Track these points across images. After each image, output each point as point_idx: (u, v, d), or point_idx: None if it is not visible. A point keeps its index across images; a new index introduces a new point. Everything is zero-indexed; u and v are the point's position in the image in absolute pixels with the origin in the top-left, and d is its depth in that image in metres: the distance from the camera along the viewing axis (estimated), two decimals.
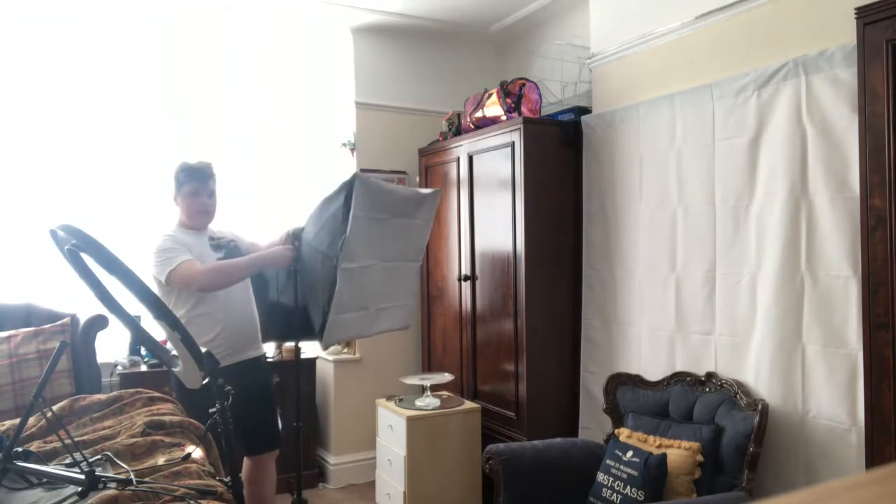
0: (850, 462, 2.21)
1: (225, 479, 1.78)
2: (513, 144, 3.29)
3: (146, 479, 1.80)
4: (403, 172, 4.28)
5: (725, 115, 2.62)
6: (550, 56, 3.75)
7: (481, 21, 4.18)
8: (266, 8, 3.83)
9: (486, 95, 3.58)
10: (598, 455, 2.66)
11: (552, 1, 3.86)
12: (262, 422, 2.80)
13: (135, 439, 2.11)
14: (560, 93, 3.68)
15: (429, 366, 4.18)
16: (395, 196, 2.70)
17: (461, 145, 3.74)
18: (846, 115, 2.20)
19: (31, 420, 2.19)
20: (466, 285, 3.72)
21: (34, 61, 3.74)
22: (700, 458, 2.38)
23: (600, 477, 2.55)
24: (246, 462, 2.82)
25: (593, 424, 3.19)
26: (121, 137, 3.94)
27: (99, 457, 1.94)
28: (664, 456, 2.40)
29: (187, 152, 3.07)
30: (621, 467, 2.48)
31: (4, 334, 3.22)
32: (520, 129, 3.24)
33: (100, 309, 2.60)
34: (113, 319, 2.57)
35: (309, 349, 3.77)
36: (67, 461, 1.81)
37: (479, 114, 3.60)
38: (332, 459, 4.15)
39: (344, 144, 4.24)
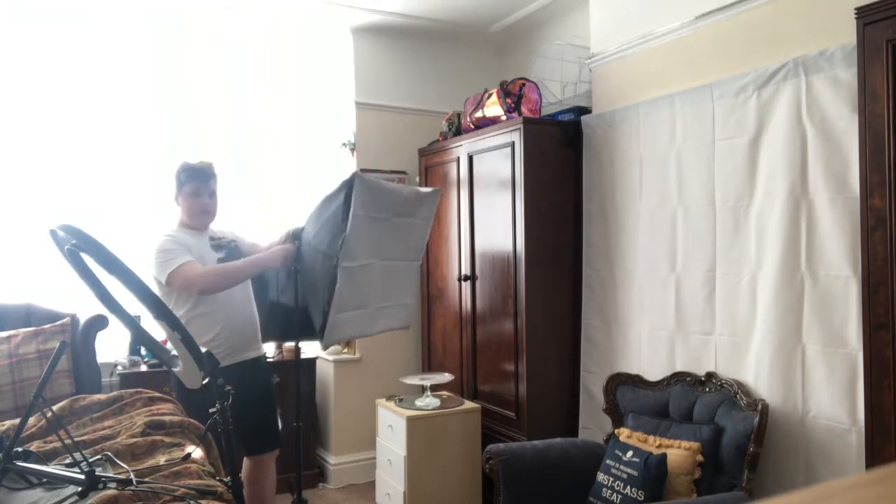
0: (850, 462, 2.21)
1: (225, 479, 1.78)
2: (513, 144, 3.29)
3: (146, 479, 1.80)
4: (403, 172, 4.28)
5: (725, 115, 2.62)
6: (550, 56, 3.75)
7: (481, 21, 4.18)
8: (266, 8, 3.83)
9: (486, 95, 3.58)
10: (598, 455, 2.66)
11: (552, 1, 3.86)
12: (262, 422, 2.80)
13: (135, 439, 2.11)
14: (560, 93, 3.68)
15: (429, 366, 4.18)
16: (395, 195, 2.71)
17: (461, 145, 3.74)
18: (846, 115, 2.20)
19: (31, 420, 2.19)
20: (466, 285, 3.72)
21: (34, 61, 3.74)
22: (700, 458, 2.38)
23: (600, 477, 2.55)
24: (246, 462, 2.82)
25: (593, 424, 3.19)
26: (121, 137, 3.94)
27: (99, 457, 1.94)
28: (664, 456, 2.40)
29: (187, 152, 3.07)
30: (621, 467, 2.48)
31: (4, 334, 3.22)
32: (520, 129, 3.24)
33: (100, 309, 2.60)
34: (113, 319, 2.57)
35: (309, 349, 3.77)
36: (67, 461, 1.81)
37: (479, 114, 3.60)
38: (332, 459, 4.15)
39: (344, 144, 4.24)
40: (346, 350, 4.24)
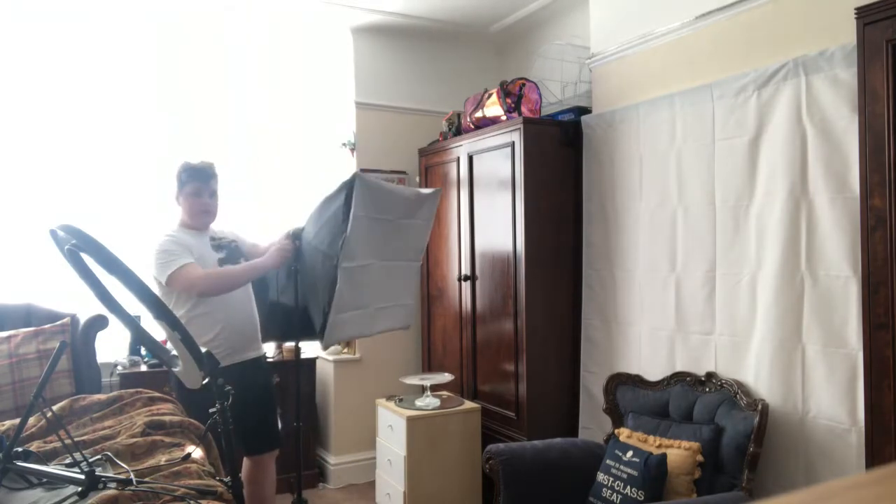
0: (850, 462, 2.21)
1: (225, 479, 1.78)
2: (513, 144, 3.29)
3: (146, 479, 1.80)
4: (403, 172, 4.28)
5: (725, 115, 2.62)
6: (550, 56, 3.75)
7: (481, 21, 4.18)
8: (266, 8, 3.83)
9: (486, 95, 3.58)
10: (598, 455, 2.66)
11: (552, 1, 3.86)
12: (261, 422, 2.80)
13: (135, 439, 2.11)
14: (560, 93, 3.68)
15: (429, 366, 4.18)
16: (395, 196, 2.71)
17: (461, 145, 3.74)
18: (846, 115, 2.20)
19: (31, 420, 2.19)
20: (466, 285, 3.72)
21: (34, 61, 3.74)
22: (700, 458, 2.38)
23: (600, 477, 2.55)
24: (246, 462, 2.83)
25: (593, 424, 3.19)
26: (121, 137, 3.94)
27: (99, 457, 1.94)
28: (664, 456, 2.40)
29: (187, 152, 3.07)
30: (621, 467, 2.48)
31: (4, 334, 3.22)
32: (520, 129, 3.24)
33: (100, 309, 2.60)
34: (113, 319, 2.57)
35: (309, 349, 3.77)
36: (67, 461, 1.81)
37: (479, 114, 3.60)
38: (332, 459, 4.15)
39: (344, 144, 4.24)
40: (346, 350, 4.24)
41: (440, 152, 3.98)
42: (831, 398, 2.26)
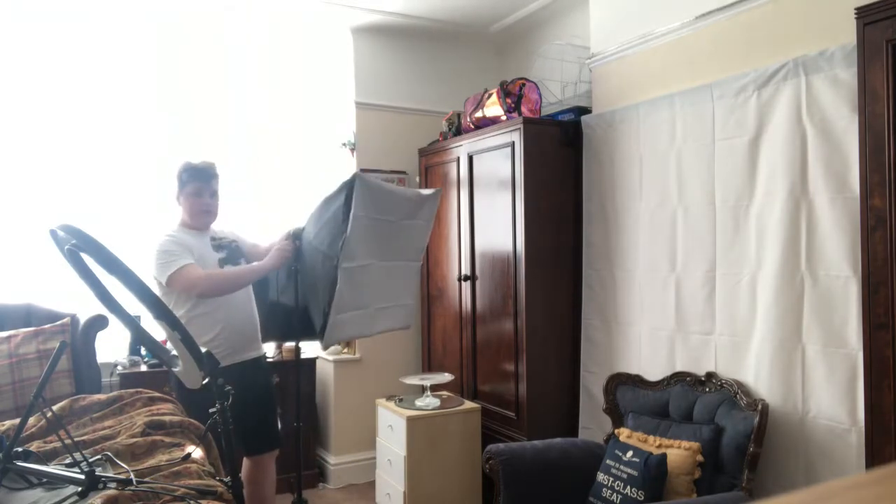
0: (850, 462, 2.21)
1: (225, 479, 1.78)
2: (513, 144, 3.29)
3: (146, 479, 1.80)
4: (403, 172, 4.28)
5: (725, 115, 2.62)
6: (550, 56, 3.75)
7: (481, 21, 4.18)
8: (266, 8, 3.83)
9: (486, 95, 3.58)
10: (598, 455, 2.66)
11: (552, 1, 3.86)
12: (261, 422, 2.80)
13: (135, 439, 2.11)
14: (560, 93, 3.68)
15: (429, 366, 4.18)
16: (395, 196, 2.71)
17: (461, 145, 3.74)
18: (846, 115, 2.20)
19: (31, 420, 2.19)
20: (466, 285, 3.72)
21: (34, 61, 3.74)
22: (700, 458, 2.38)
23: (600, 477, 2.55)
24: (245, 462, 2.83)
25: (593, 424, 3.19)
26: (121, 137, 3.94)
27: (99, 457, 1.94)
28: (664, 456, 2.40)
29: (187, 152, 3.07)
30: (621, 467, 2.48)
31: (4, 334, 3.22)
32: (520, 129, 3.24)
33: (100, 309, 2.60)
34: (113, 319, 2.57)
35: (309, 349, 3.77)
36: (67, 461, 1.81)
37: (479, 114, 3.60)
38: (332, 459, 4.15)
39: (344, 144, 4.24)
40: (346, 350, 4.24)
41: (440, 152, 3.98)
42: (831, 398, 2.26)
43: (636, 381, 2.83)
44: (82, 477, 1.63)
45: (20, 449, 1.75)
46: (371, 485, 3.83)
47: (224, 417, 1.73)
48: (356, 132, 4.19)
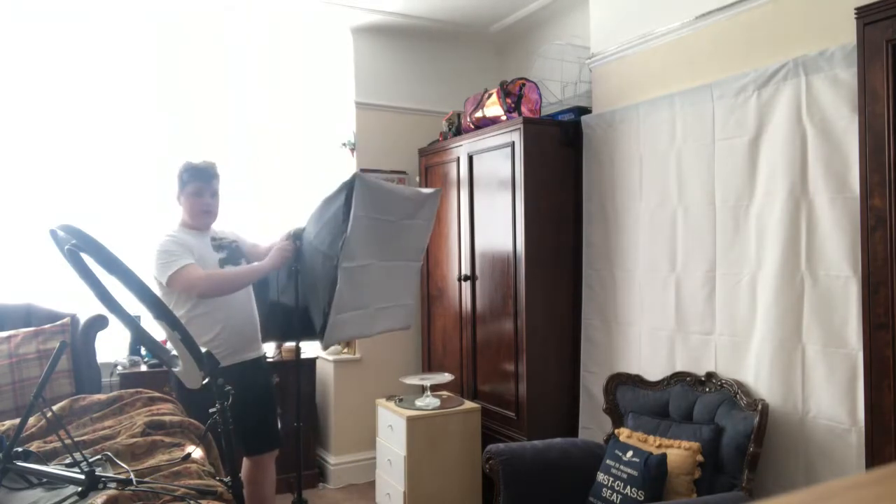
0: (850, 462, 2.21)
1: (225, 479, 1.78)
2: (513, 144, 3.29)
3: (146, 479, 1.80)
4: (403, 172, 4.28)
5: (725, 115, 2.62)
6: (550, 56, 3.75)
7: (481, 21, 4.18)
8: (266, 8, 3.83)
9: (486, 95, 3.58)
10: (598, 455, 2.66)
11: (552, 1, 3.86)
12: (261, 422, 2.80)
13: (135, 439, 2.11)
14: (560, 93, 3.68)
15: (429, 366, 4.18)
16: (395, 196, 2.71)
17: (461, 145, 3.74)
18: (846, 115, 2.20)
19: (31, 420, 2.19)
20: (466, 285, 3.72)
21: (34, 61, 3.74)
22: (700, 458, 2.38)
23: (600, 477, 2.55)
24: (245, 462, 2.83)
25: (593, 424, 3.19)
26: (121, 137, 3.94)
27: (99, 457, 1.94)
28: (664, 456, 2.40)
29: (187, 152, 3.07)
30: (621, 467, 2.48)
31: (4, 334, 3.22)
32: (520, 129, 3.24)
33: (100, 309, 2.60)
34: (113, 319, 2.57)
35: (309, 349, 3.77)
36: (67, 461, 1.81)
37: (479, 114, 3.60)
38: (332, 459, 4.15)
39: (344, 144, 4.24)
40: (346, 350, 4.24)
41: (440, 152, 3.98)
42: (831, 398, 2.26)
43: (636, 381, 2.84)
44: (82, 477, 1.63)
45: (20, 449, 1.75)
46: (371, 485, 3.83)
47: (224, 417, 1.73)
48: (356, 132, 4.19)
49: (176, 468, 1.91)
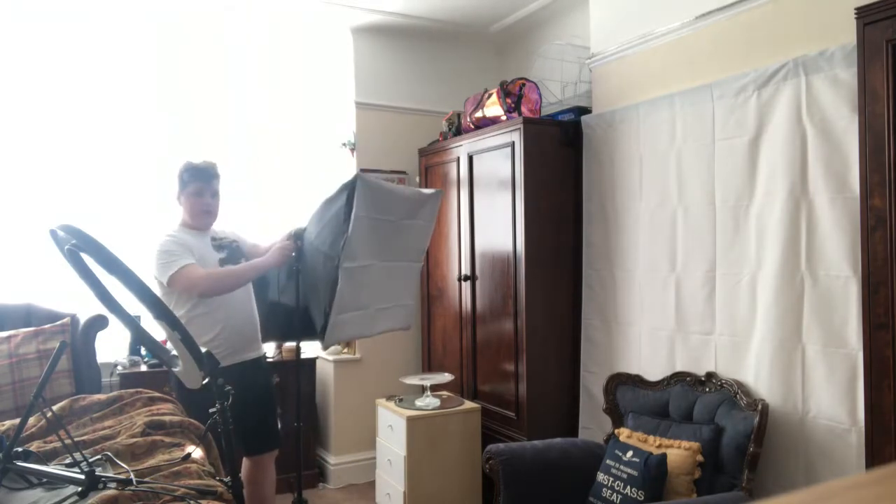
0: (850, 462, 2.21)
1: (225, 479, 1.78)
2: (513, 144, 3.29)
3: (146, 479, 1.80)
4: (403, 172, 4.28)
5: (725, 115, 2.62)
6: (550, 56, 3.75)
7: (481, 21, 4.18)
8: (266, 8, 3.83)
9: (486, 95, 3.58)
10: (598, 455, 2.66)
11: (552, 1, 3.86)
12: (261, 422, 2.80)
13: (135, 439, 2.11)
14: (560, 93, 3.68)
15: (429, 366, 4.18)
16: (396, 196, 2.71)
17: (461, 145, 3.74)
18: (846, 115, 2.20)
19: (31, 420, 2.19)
20: (466, 285, 3.72)
21: (34, 61, 3.74)
22: (700, 458, 2.38)
23: (600, 477, 2.55)
24: (245, 462, 2.83)
25: (593, 424, 3.19)
26: (121, 137, 3.94)
27: (99, 457, 1.94)
28: (664, 456, 2.40)
29: (187, 152, 3.07)
30: (621, 467, 2.48)
31: (4, 334, 3.22)
32: (520, 129, 3.24)
33: (100, 309, 2.60)
34: (113, 319, 2.57)
35: (309, 349, 3.77)
36: (67, 461, 1.81)
37: (479, 114, 3.60)
38: (332, 459, 4.15)
39: (344, 144, 4.24)
40: (346, 350, 4.24)
41: (440, 152, 3.98)
42: (831, 398, 2.26)
43: (636, 381, 2.84)
44: (82, 477, 1.63)
45: (20, 449, 1.75)
46: (371, 485, 3.83)
47: (224, 417, 1.73)
48: (356, 132, 4.19)
49: (176, 468, 1.91)
